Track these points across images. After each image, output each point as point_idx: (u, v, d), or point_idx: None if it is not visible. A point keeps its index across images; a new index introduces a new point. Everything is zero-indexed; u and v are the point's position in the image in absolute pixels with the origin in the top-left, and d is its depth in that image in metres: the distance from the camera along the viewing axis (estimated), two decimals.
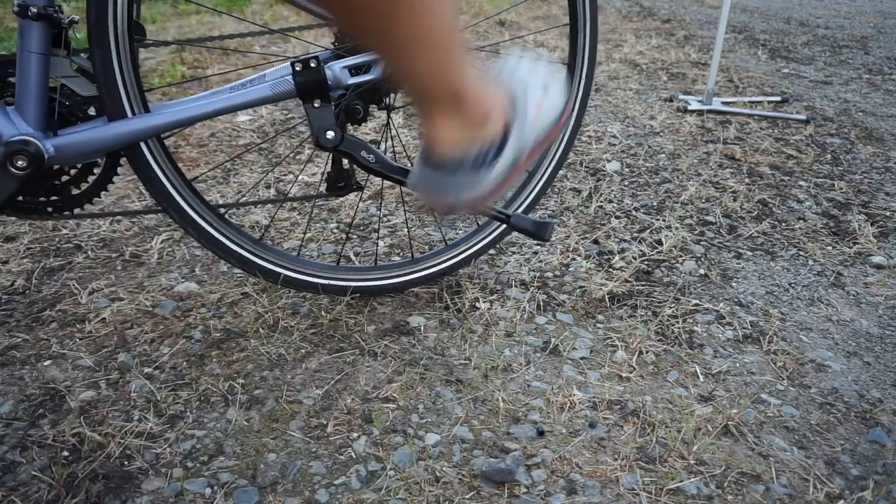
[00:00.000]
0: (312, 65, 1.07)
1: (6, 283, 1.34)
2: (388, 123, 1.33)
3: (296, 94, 1.09)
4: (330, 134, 1.10)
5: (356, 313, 1.29)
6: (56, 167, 1.02)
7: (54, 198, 1.04)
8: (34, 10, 0.92)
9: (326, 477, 0.94)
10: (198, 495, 0.90)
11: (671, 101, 2.64)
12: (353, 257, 1.48)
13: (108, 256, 1.44)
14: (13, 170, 0.94)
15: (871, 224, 1.71)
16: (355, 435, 1.01)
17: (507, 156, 0.89)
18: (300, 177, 1.85)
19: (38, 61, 0.94)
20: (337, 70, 1.11)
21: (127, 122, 1.02)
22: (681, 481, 0.95)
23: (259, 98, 1.09)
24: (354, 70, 1.12)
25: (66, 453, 0.96)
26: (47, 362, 1.13)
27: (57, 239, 1.50)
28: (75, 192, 1.06)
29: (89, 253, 1.45)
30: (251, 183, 1.80)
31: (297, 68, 1.07)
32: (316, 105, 1.09)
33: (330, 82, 1.10)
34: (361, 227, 1.60)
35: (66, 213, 1.06)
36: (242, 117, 2.27)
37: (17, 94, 0.95)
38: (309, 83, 1.07)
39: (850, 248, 1.60)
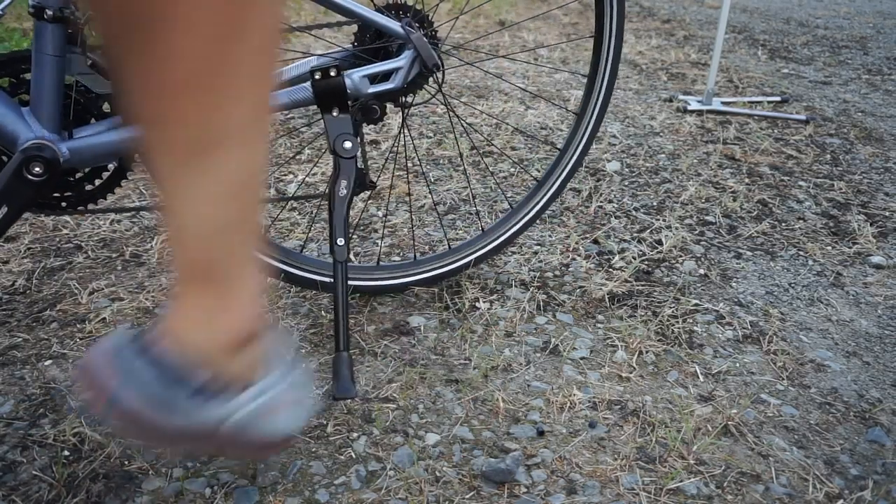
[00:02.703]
0: (332, 73, 1.03)
1: (7, 282, 1.34)
2: (403, 122, 1.30)
3: (314, 102, 1.06)
4: (347, 144, 1.07)
5: (356, 313, 1.29)
6: None
7: (68, 193, 1.05)
8: (50, 12, 0.90)
9: (326, 477, 0.94)
10: (198, 495, 0.90)
11: (671, 101, 2.64)
12: (353, 258, 1.48)
13: (108, 256, 1.45)
14: (29, 176, 0.93)
15: (871, 224, 1.71)
16: (355, 435, 1.01)
17: (230, 408, 0.68)
18: (300, 177, 1.85)
19: (53, 63, 0.93)
20: (356, 79, 1.08)
21: None
22: (681, 481, 0.95)
23: (276, 105, 1.07)
24: (374, 78, 1.09)
25: (66, 453, 0.96)
26: (48, 362, 1.13)
27: (57, 239, 1.50)
28: (89, 187, 1.06)
29: (90, 253, 1.45)
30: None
31: (317, 76, 1.03)
32: (334, 114, 1.06)
33: (349, 91, 1.07)
34: (361, 227, 1.61)
35: (80, 207, 1.06)
36: None
37: (31, 95, 0.94)
38: (328, 92, 1.04)
39: (850, 248, 1.60)
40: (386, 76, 1.11)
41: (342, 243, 1.07)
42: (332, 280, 1.25)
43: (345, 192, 1.07)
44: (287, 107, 1.08)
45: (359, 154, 1.13)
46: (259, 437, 0.72)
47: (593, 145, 2.16)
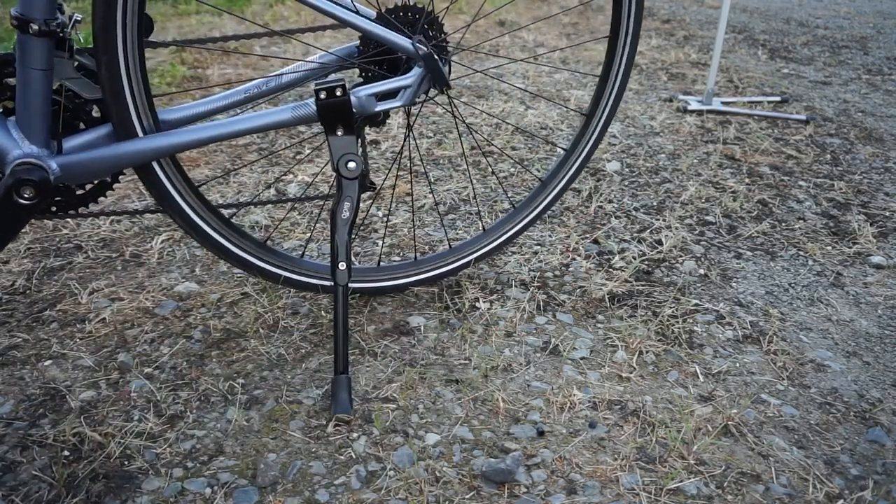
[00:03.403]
0: (338, 92, 0.99)
1: (7, 283, 1.34)
2: (408, 124, 1.29)
3: (317, 120, 1.02)
4: (352, 164, 1.03)
5: (356, 313, 1.29)
6: None
7: (59, 198, 1.02)
8: (35, 27, 0.84)
9: (326, 477, 0.94)
10: (198, 495, 0.90)
11: (671, 101, 2.64)
12: (354, 259, 1.48)
13: (108, 256, 1.45)
14: (20, 201, 0.89)
15: (871, 224, 1.71)
16: (355, 435, 1.01)
17: None
18: (299, 177, 1.85)
19: (40, 77, 0.88)
20: (363, 97, 1.04)
21: (139, 142, 0.98)
22: (681, 481, 0.95)
23: (278, 121, 1.04)
24: (381, 96, 1.05)
25: (66, 453, 0.96)
26: (48, 362, 1.13)
27: (57, 239, 1.50)
28: (80, 192, 1.04)
29: (89, 253, 1.45)
30: (251, 183, 1.80)
31: (322, 95, 0.99)
32: (338, 133, 1.02)
33: (355, 110, 1.03)
34: (361, 228, 1.61)
35: (71, 212, 1.05)
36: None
37: (17, 109, 0.90)
38: (333, 111, 1.00)
39: (850, 248, 1.60)
40: (395, 94, 1.07)
41: (343, 267, 1.05)
42: (331, 284, 1.25)
43: (347, 214, 1.04)
44: (289, 124, 1.04)
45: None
46: None
47: None
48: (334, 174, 1.06)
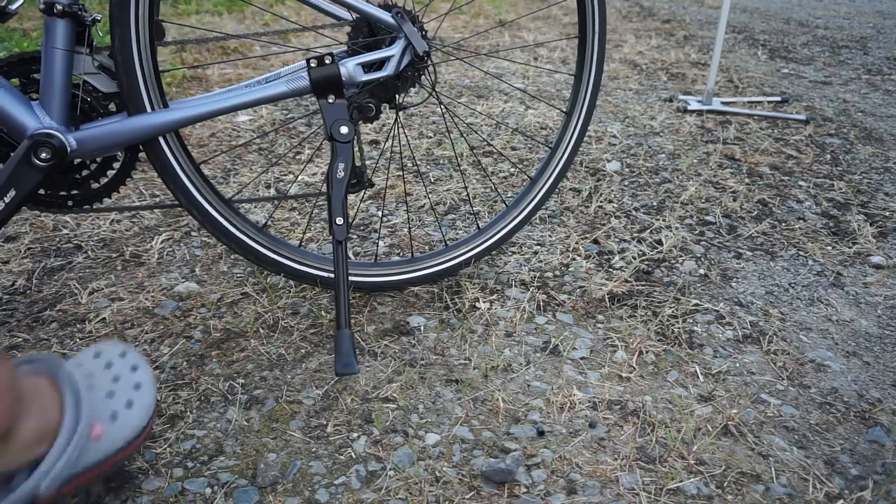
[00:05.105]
0: (327, 61, 1.09)
1: (7, 282, 1.34)
2: (396, 121, 1.34)
3: (310, 90, 1.10)
4: (344, 129, 1.10)
5: (356, 313, 1.29)
6: (77, 161, 1.05)
7: (75, 191, 1.07)
8: (59, 7, 0.94)
9: (326, 477, 0.94)
10: (198, 495, 0.90)
11: (671, 101, 2.64)
12: (353, 256, 1.48)
13: (108, 256, 1.45)
14: (37, 161, 0.96)
15: (871, 224, 1.71)
16: (355, 435, 1.01)
17: (30, 484, 0.72)
18: (300, 176, 1.85)
19: (62, 57, 0.97)
20: (351, 67, 1.12)
21: (147, 117, 1.05)
22: (681, 481, 0.95)
23: (275, 94, 1.11)
24: (368, 67, 1.13)
25: None
26: None
27: (57, 239, 1.50)
28: (95, 185, 1.08)
29: (89, 253, 1.45)
30: (251, 182, 1.80)
31: (312, 64, 1.09)
32: (330, 100, 1.10)
33: (344, 79, 1.11)
34: (361, 227, 1.61)
35: (86, 206, 1.09)
36: (242, 117, 2.27)
37: (41, 89, 0.98)
38: (323, 79, 1.09)
39: (850, 248, 1.60)
40: (379, 66, 1.14)
41: (341, 223, 1.09)
42: (332, 276, 1.25)
43: (342, 174, 1.10)
44: (286, 95, 1.11)
45: (356, 151, 1.15)
46: (109, 455, 0.81)
47: (593, 145, 2.15)
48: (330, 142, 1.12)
